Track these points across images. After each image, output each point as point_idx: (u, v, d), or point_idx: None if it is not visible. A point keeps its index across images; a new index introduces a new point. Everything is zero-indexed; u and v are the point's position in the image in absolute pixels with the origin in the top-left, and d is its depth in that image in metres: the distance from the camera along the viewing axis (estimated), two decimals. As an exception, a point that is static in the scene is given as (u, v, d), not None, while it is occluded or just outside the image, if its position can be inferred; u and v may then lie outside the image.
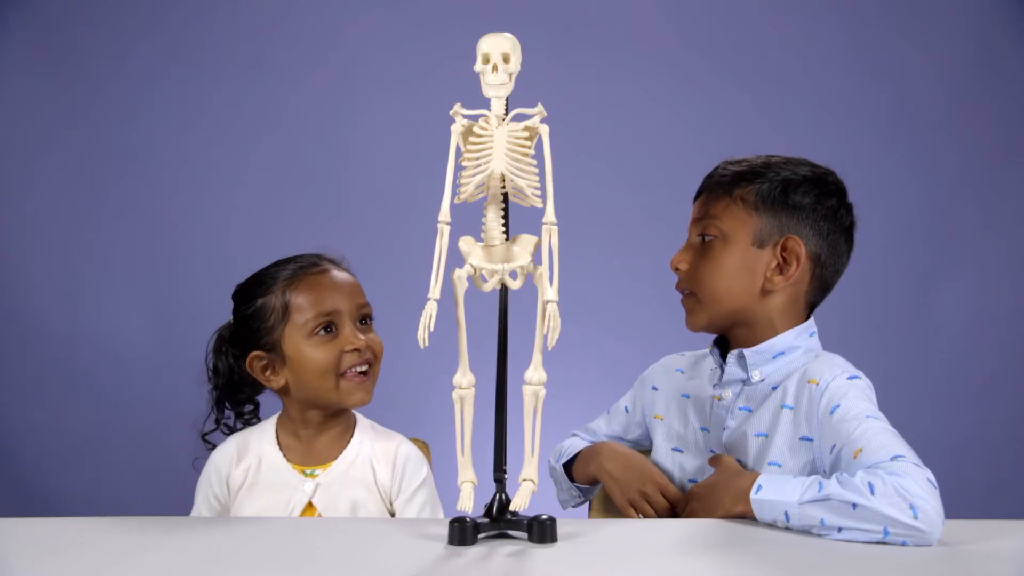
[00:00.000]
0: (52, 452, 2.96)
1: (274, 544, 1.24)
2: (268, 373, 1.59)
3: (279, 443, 1.61)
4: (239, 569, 1.13)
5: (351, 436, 1.61)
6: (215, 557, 1.17)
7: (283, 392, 1.61)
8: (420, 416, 2.59)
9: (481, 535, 1.19)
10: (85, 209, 3.04)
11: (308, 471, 1.58)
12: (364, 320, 1.61)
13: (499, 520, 1.20)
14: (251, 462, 1.59)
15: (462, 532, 1.18)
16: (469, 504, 1.17)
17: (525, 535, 1.19)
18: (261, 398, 1.68)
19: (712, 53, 3.10)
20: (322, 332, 1.56)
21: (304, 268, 1.60)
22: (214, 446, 1.65)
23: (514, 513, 1.19)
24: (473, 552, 1.16)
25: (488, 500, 1.21)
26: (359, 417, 1.66)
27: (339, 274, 1.62)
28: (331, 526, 1.38)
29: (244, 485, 1.58)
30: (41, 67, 3.02)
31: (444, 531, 1.19)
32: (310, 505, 1.56)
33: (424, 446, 1.80)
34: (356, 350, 1.56)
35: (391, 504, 1.59)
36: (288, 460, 1.59)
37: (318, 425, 1.60)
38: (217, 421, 1.67)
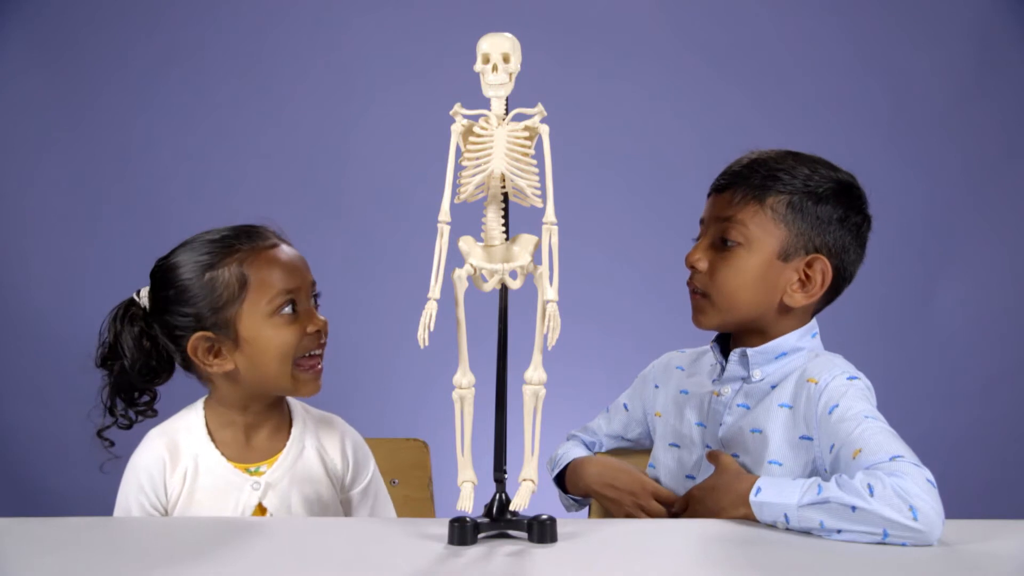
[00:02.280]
0: (52, 452, 2.96)
1: (272, 544, 1.24)
2: (212, 357, 1.44)
3: (213, 439, 1.47)
4: (238, 569, 1.13)
5: (289, 426, 1.50)
6: (213, 557, 1.17)
7: (226, 379, 1.46)
8: (420, 416, 2.59)
9: (481, 535, 1.19)
10: (85, 209, 3.04)
11: (252, 469, 1.46)
12: (315, 299, 1.49)
13: (499, 520, 1.20)
14: (187, 465, 1.45)
15: (462, 532, 1.18)
16: (469, 504, 1.17)
17: (525, 535, 1.19)
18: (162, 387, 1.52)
19: (712, 53, 3.10)
20: (286, 312, 1.43)
21: (259, 240, 1.47)
22: (112, 443, 1.50)
23: (514, 513, 1.19)
24: (473, 552, 1.16)
25: (488, 500, 1.21)
26: (292, 402, 1.54)
27: (290, 249, 1.49)
28: (330, 526, 1.38)
29: (183, 492, 1.45)
30: (41, 67, 3.02)
31: (444, 531, 1.19)
32: (260, 507, 1.45)
33: (424, 446, 1.80)
34: (317, 331, 1.45)
35: (342, 492, 1.51)
36: (228, 459, 1.46)
37: (258, 415, 1.48)
38: (112, 412, 1.50)
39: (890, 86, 3.08)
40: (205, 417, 1.49)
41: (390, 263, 2.92)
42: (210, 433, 1.48)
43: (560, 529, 1.20)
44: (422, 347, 1.13)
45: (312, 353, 1.46)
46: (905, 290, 3.07)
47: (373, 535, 1.28)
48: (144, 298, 1.50)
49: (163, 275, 1.48)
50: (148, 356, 1.47)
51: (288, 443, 1.49)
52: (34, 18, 3.01)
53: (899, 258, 3.00)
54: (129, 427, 1.51)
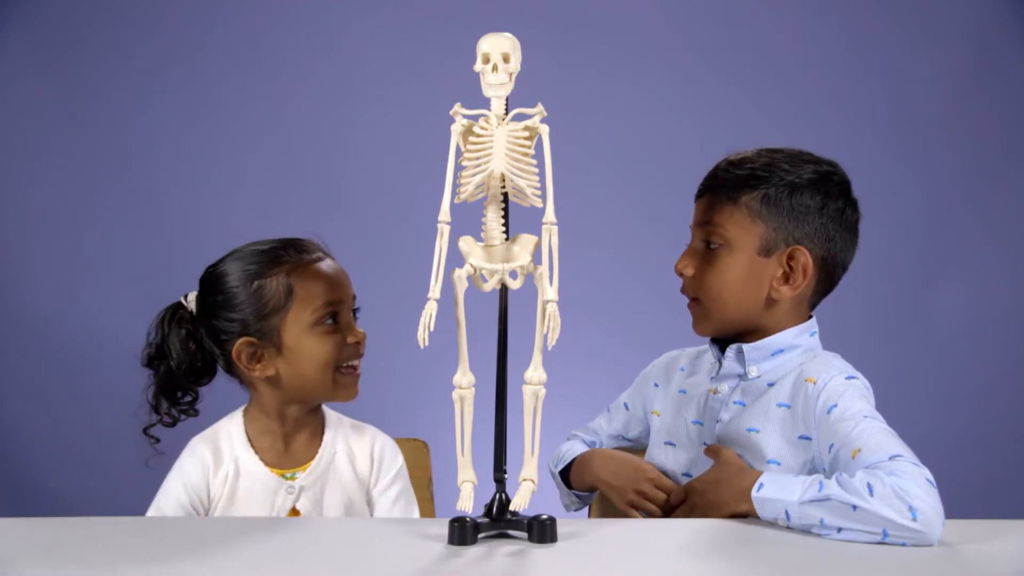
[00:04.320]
0: (52, 452, 2.96)
1: (273, 544, 1.24)
2: (254, 362, 1.50)
3: (252, 445, 1.53)
4: (238, 569, 1.13)
5: (323, 433, 1.56)
6: (214, 557, 1.17)
7: (267, 384, 1.52)
8: (420, 416, 2.59)
9: (481, 535, 1.19)
10: (85, 209, 3.04)
11: (288, 474, 1.52)
12: (354, 311, 1.56)
13: (499, 520, 1.20)
14: (228, 469, 1.51)
15: (462, 532, 1.18)
16: (469, 504, 1.17)
17: (525, 535, 1.19)
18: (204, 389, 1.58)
19: (712, 53, 3.10)
20: (327, 323, 1.50)
21: (305, 253, 1.54)
22: (158, 440, 1.55)
23: (514, 513, 1.20)
24: (473, 552, 1.16)
25: (488, 500, 1.21)
26: (326, 410, 1.60)
27: (334, 263, 1.56)
28: (330, 526, 1.38)
29: (224, 494, 1.50)
30: (41, 67, 3.02)
31: (444, 531, 1.19)
32: (294, 510, 1.50)
33: (424, 446, 1.80)
34: (356, 343, 1.52)
35: (368, 493, 1.56)
36: (266, 464, 1.52)
37: (296, 421, 1.54)
38: (158, 411, 1.55)
39: (890, 86, 3.08)
40: (244, 425, 1.55)
41: (390, 263, 2.92)
42: (249, 439, 1.53)
43: (560, 529, 1.20)
44: (422, 347, 1.13)
45: (350, 364, 1.52)
46: (905, 290, 3.07)
47: (373, 535, 1.28)
48: (192, 302, 1.56)
49: (212, 281, 1.54)
50: (193, 358, 1.54)
51: (320, 449, 1.54)
52: (34, 18, 3.00)
53: (899, 258, 3.00)
54: (173, 424, 1.56)
